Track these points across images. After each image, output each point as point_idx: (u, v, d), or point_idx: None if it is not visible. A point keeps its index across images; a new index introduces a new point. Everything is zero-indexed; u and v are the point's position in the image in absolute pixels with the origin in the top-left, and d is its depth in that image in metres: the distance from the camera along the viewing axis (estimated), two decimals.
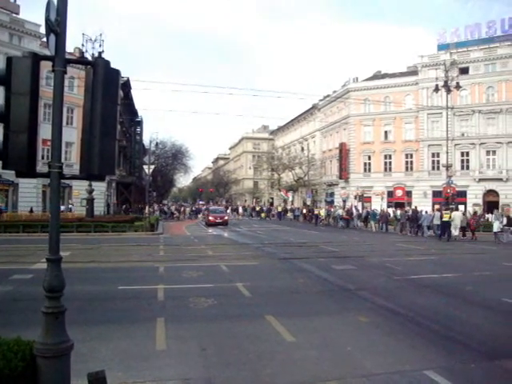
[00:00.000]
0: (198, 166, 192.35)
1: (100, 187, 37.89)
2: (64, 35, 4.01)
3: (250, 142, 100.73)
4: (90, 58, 24.59)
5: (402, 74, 55.37)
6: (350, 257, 17.29)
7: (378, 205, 45.74)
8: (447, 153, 35.31)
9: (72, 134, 34.06)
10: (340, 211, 41.47)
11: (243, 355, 6.21)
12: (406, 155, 52.41)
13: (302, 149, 64.78)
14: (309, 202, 55.98)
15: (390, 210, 39.99)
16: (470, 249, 21.72)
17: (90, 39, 25.91)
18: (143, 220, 32.17)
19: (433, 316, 8.40)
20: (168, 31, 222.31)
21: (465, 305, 9.48)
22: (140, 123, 62.77)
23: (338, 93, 60.24)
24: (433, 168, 49.43)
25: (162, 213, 57.85)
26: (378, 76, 59.12)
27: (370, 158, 55.02)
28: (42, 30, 36.01)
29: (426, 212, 32.81)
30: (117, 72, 4.16)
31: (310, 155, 61.27)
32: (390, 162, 53.57)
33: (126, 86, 43.19)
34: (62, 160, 4.10)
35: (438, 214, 28.43)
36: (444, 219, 26.96)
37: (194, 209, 60.11)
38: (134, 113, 60.25)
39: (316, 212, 45.98)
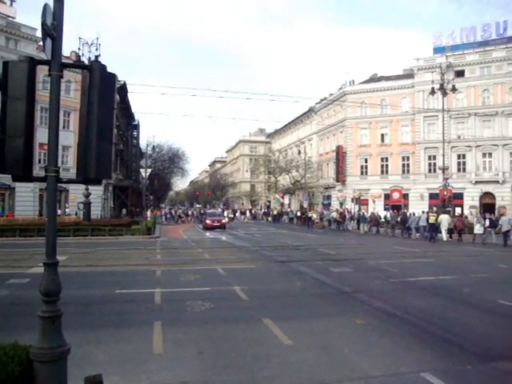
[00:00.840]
0: (195, 169, 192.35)
1: (97, 191, 37.80)
2: (60, 39, 4.02)
3: (247, 145, 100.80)
4: (86, 62, 24.64)
5: (398, 77, 55.56)
6: (346, 259, 17.31)
7: (377, 207, 45.88)
8: (443, 155, 35.42)
9: (68, 138, 34.07)
10: (334, 214, 42.04)
11: (240, 358, 6.21)
12: (403, 158, 52.56)
13: (299, 152, 64.83)
14: (306, 205, 56.04)
15: (385, 213, 40.20)
16: (466, 251, 21.78)
17: (87, 43, 25.79)
18: (140, 224, 32.13)
19: (429, 318, 8.42)
20: (164, 34, 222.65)
21: (461, 307, 9.49)
22: (137, 127, 62.80)
23: (334, 96, 60.39)
24: (429, 170, 49.60)
25: (169, 216, 58.34)
26: (374, 79, 59.28)
27: (366, 160, 55.15)
28: (39, 33, 35.76)
29: (414, 214, 33.14)
30: (113, 76, 4.18)
31: (307, 158, 61.33)
32: (387, 165, 53.71)
33: (123, 89, 43.15)
34: (59, 164, 4.12)
35: (424, 216, 29.51)
36: (430, 221, 28.11)
37: (202, 212, 60.04)
38: (131, 116, 60.24)
39: (309, 215, 46.86)
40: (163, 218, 58.61)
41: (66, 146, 36.34)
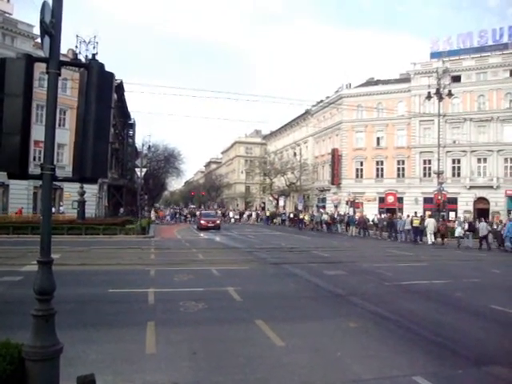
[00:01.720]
0: (191, 169, 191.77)
1: (91, 189, 37.69)
2: (59, 37, 4.02)
3: (243, 147, 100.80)
4: (83, 60, 24.61)
5: (394, 81, 55.75)
6: (340, 262, 17.34)
7: (371, 211, 45.97)
8: (438, 160, 35.61)
9: (64, 136, 33.89)
10: (325, 216, 43.04)
11: (233, 359, 6.22)
12: (398, 162, 52.71)
13: (295, 154, 64.85)
14: (300, 207, 56.14)
15: (372, 216, 40.90)
16: (460, 255, 21.91)
17: (84, 41, 25.83)
18: (135, 223, 32.06)
19: (422, 322, 8.46)
20: (162, 34, 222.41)
21: (454, 311, 9.54)
22: (133, 126, 62.72)
23: (330, 98, 60.53)
24: (424, 175, 49.76)
25: (178, 216, 59.39)
26: (371, 82, 59.44)
27: (362, 163, 55.28)
28: (36, 30, 35.98)
29: (401, 218, 33.61)
30: (111, 75, 4.18)
31: (303, 160, 61.35)
32: (382, 169, 53.86)
33: (120, 88, 43.10)
34: (54, 162, 4.10)
35: (408, 219, 30.97)
36: (414, 224, 29.62)
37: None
38: (127, 115, 60.12)
39: (301, 217, 47.73)
40: (168, 218, 59.75)
41: (61, 143, 36.14)
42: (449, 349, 6.87)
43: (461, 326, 8.29)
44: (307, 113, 67.13)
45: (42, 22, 3.84)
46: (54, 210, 33.61)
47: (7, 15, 37.92)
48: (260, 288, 11.77)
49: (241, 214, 64.18)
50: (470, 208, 45.95)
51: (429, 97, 34.27)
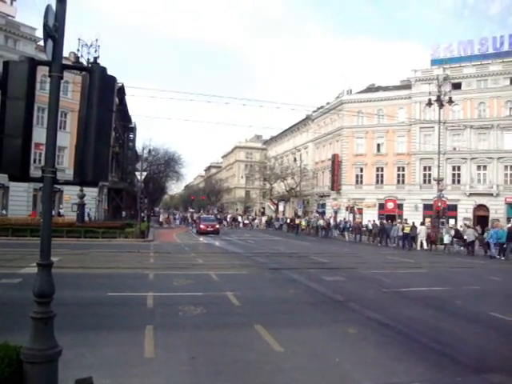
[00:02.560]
0: (191, 173, 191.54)
1: (91, 192, 37.64)
2: (62, 41, 4.03)
3: (243, 151, 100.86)
4: (85, 63, 24.66)
5: (395, 88, 55.83)
6: (339, 268, 17.32)
7: (371, 217, 45.92)
8: (439, 167, 35.63)
9: (65, 139, 33.86)
10: (321, 222, 43.80)
11: (232, 364, 6.20)
12: (398, 168, 52.72)
13: (295, 159, 64.91)
14: (300, 213, 56.11)
15: (366, 222, 41.62)
16: (459, 262, 21.86)
17: (86, 44, 25.89)
18: (134, 227, 32.02)
19: (421, 329, 8.44)
20: (161, 36, 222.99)
21: (453, 318, 9.51)
22: (133, 129, 62.74)
23: (331, 104, 60.60)
24: (424, 181, 49.75)
25: (184, 220, 61.69)
26: (371, 89, 59.55)
27: (362, 170, 55.27)
28: (38, 33, 36.02)
29: (395, 224, 33.76)
30: (113, 79, 4.19)
31: (303, 166, 61.41)
32: (382, 175, 53.85)
33: (121, 92, 43.15)
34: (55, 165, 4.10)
35: (400, 226, 31.81)
36: (405, 231, 30.37)
37: (218, 217, 59.82)
38: (128, 119, 60.15)
39: (297, 222, 48.75)
40: (177, 221, 62.95)
41: (61, 146, 36.04)
42: (448, 356, 6.84)
43: (460, 333, 8.28)
44: (308, 118, 67.20)
45: (45, 25, 3.84)
46: (53, 212, 33.58)
47: (10, 18, 38.01)
48: (259, 293, 11.76)
49: (253, 219, 63.81)
50: (470, 215, 45.89)
51: (429, 104, 34.36)
